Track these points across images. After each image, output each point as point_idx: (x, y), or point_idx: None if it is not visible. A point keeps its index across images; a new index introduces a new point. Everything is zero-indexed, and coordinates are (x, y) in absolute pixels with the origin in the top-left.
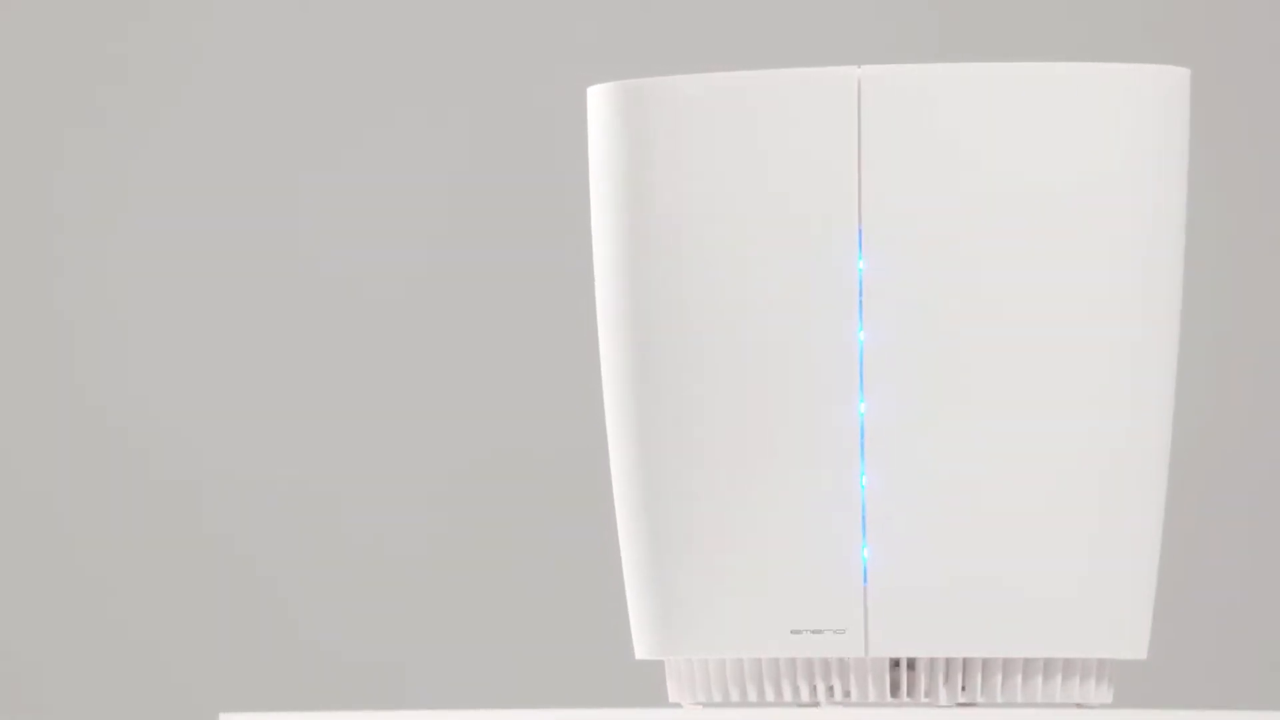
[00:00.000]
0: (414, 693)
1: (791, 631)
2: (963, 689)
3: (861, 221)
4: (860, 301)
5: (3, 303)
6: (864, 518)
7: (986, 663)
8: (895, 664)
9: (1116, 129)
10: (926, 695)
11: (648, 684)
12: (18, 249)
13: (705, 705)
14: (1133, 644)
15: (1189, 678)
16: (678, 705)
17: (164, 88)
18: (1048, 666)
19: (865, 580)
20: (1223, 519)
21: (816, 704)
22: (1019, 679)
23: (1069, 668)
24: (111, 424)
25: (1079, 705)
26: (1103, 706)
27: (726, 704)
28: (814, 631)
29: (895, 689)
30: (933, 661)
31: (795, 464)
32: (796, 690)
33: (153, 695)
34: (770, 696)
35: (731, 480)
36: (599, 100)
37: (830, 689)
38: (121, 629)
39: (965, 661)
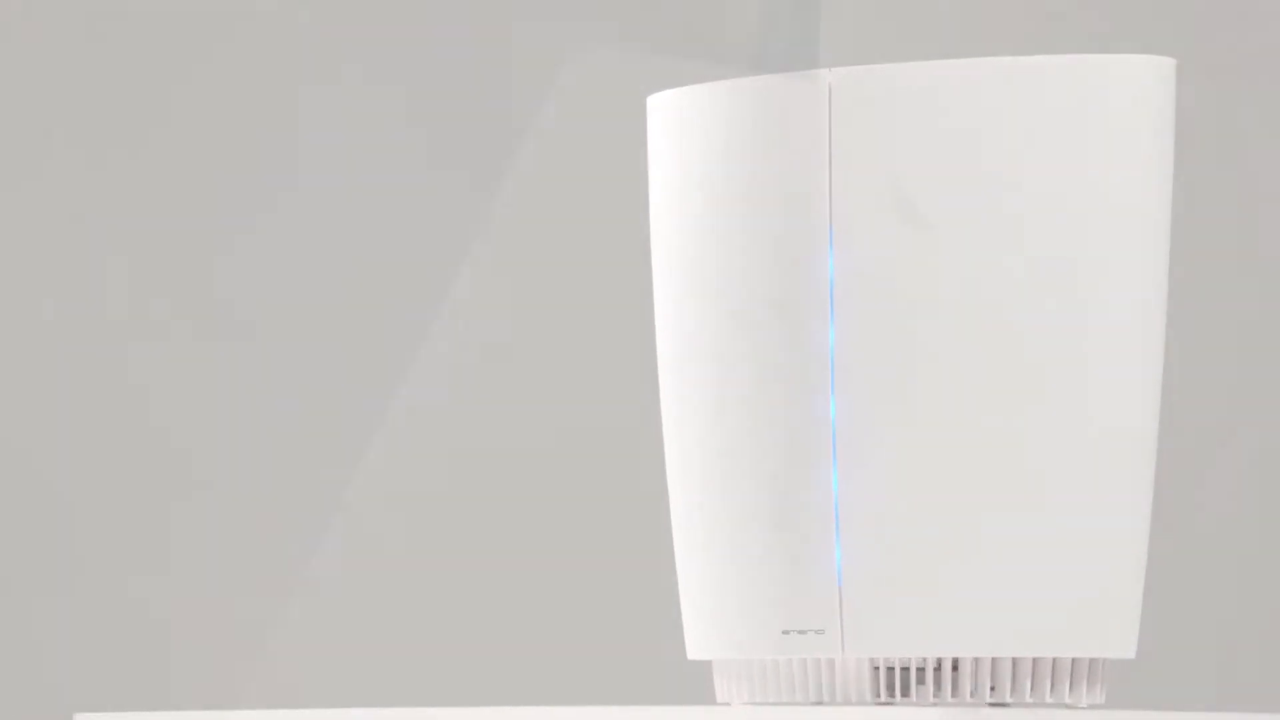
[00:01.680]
0: (463, 690)
1: (782, 632)
2: (992, 689)
3: (833, 221)
4: (832, 301)
5: (6, 300)
6: (838, 519)
7: (972, 662)
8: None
9: (1099, 121)
10: (905, 694)
11: (702, 683)
12: (20, 248)
13: (755, 705)
14: (1121, 643)
15: (1178, 678)
16: (727, 704)
17: (170, 85)
18: (1018, 666)
19: (840, 581)
20: (1210, 518)
21: (818, 703)
22: (992, 679)
23: (1054, 668)
24: (114, 424)
25: (1068, 706)
26: (1094, 707)
27: (771, 703)
28: (799, 632)
29: (896, 691)
30: (928, 662)
31: (779, 465)
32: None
33: (153, 693)
34: (813, 697)
35: (724, 483)
36: (658, 107)
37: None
38: (121, 626)
39: (956, 662)
